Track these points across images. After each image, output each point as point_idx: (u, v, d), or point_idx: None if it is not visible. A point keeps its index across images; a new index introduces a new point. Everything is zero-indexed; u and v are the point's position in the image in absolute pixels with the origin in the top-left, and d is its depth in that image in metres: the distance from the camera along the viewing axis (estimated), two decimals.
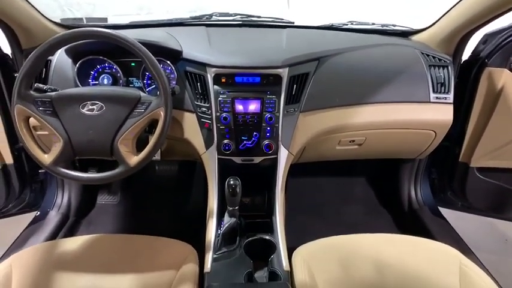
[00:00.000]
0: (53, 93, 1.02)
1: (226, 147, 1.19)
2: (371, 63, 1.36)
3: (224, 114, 1.20)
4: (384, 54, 1.41)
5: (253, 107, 1.21)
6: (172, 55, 1.26)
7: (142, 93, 1.03)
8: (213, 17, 1.63)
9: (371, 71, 1.35)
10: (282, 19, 1.66)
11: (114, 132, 0.99)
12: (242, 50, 1.30)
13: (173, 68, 1.26)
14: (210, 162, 1.22)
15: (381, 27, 1.66)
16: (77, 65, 1.26)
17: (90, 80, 1.32)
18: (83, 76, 1.29)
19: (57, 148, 0.99)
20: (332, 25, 1.68)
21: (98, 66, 1.32)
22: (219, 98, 1.21)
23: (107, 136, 1.00)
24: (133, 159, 1.00)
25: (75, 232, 1.66)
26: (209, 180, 1.24)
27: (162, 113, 1.00)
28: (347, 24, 1.69)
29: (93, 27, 0.97)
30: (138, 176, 1.91)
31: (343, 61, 1.34)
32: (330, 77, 1.31)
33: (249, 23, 1.61)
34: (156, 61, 1.00)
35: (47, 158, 1.00)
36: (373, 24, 1.67)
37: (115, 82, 1.32)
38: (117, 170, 1.00)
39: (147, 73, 1.32)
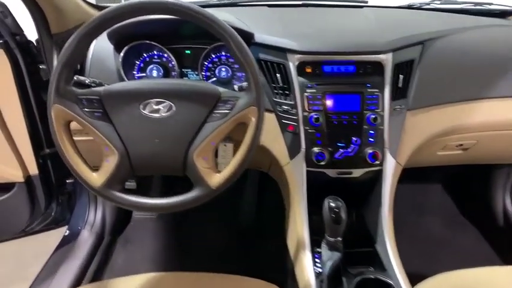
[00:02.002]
0: (101, 88, 0.75)
1: (319, 157, 0.91)
2: (485, 49, 1.09)
3: (314, 114, 0.93)
4: (496, 38, 1.13)
5: (351, 104, 0.94)
6: (243, 39, 0.99)
7: (221, 88, 0.76)
8: None
9: (485, 58, 1.08)
10: None
11: (188, 141, 0.73)
12: (328, 32, 1.03)
13: None
14: (296, 176, 0.95)
15: (473, 6, 1.38)
16: (122, 53, 1.00)
17: (135, 72, 1.06)
18: (126, 67, 1.02)
19: (110, 164, 0.73)
20: (412, 5, 1.41)
21: (145, 55, 1.06)
22: (306, 93, 0.94)
23: (178, 147, 0.73)
24: (215, 179, 0.74)
25: (112, 254, 1.40)
26: (293, 200, 0.97)
27: (253, 114, 0.73)
28: (429, 4, 1.41)
29: None
30: (179, 184, 1.66)
31: (450, 46, 1.07)
32: (438, 65, 1.04)
33: (312, 3, 1.33)
34: (245, 45, 0.73)
35: (96, 178, 0.73)
36: (464, 2, 1.40)
37: (166, 74, 1.06)
38: (193, 194, 0.74)
39: (207, 63, 1.06)
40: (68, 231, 1.39)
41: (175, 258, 1.46)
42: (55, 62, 1.03)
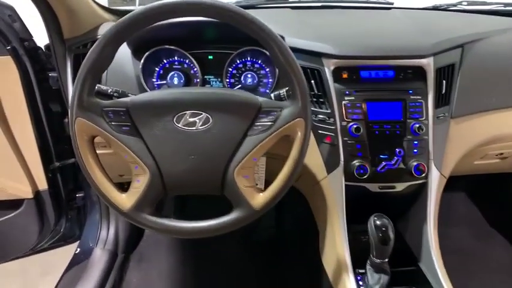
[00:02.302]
0: (128, 99, 0.67)
1: (361, 170, 0.84)
2: None
3: (354, 124, 0.85)
4: None
5: (393, 112, 0.87)
6: None
7: (260, 98, 0.69)
8: None
9: None
10: None
11: (227, 157, 0.65)
12: (363, 35, 0.96)
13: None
14: (333, 191, 0.88)
15: (503, 8, 1.32)
16: (143, 60, 0.92)
17: (154, 80, 0.98)
18: (145, 75, 0.95)
19: (140, 184, 0.65)
20: (438, 6, 1.35)
21: (165, 61, 0.98)
22: (344, 101, 0.87)
23: (217, 163, 0.66)
24: (258, 199, 0.66)
25: (127, 272, 1.31)
26: (331, 217, 0.90)
27: (300, 127, 0.65)
28: (455, 5, 1.35)
29: None
30: (192, 200, 1.57)
31: (490, 49, 1.01)
32: (479, 70, 0.97)
33: (338, 5, 1.27)
34: (290, 50, 0.65)
35: (125, 201, 0.66)
36: (493, 3, 1.34)
37: (188, 82, 0.98)
38: (234, 216, 0.66)
39: (231, 69, 0.98)
40: (78, 249, 1.31)
41: (192, 275, 1.37)
42: (68, 70, 0.95)
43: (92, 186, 0.66)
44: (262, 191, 0.67)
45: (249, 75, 0.98)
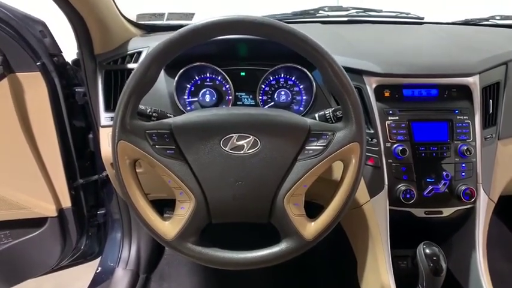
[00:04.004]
0: (171, 120, 0.64)
1: (408, 195, 0.80)
2: None
3: (399, 145, 0.81)
4: None
5: (439, 133, 0.83)
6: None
7: (308, 119, 0.66)
8: (320, 12, 1.27)
9: None
10: (408, 13, 1.30)
11: (277, 183, 0.62)
12: (404, 52, 0.93)
13: (312, 78, 0.89)
14: (376, 216, 0.84)
15: None
16: (177, 77, 0.89)
17: (186, 97, 0.96)
18: (178, 92, 0.92)
19: (185, 212, 0.62)
20: (469, 21, 1.32)
21: (197, 78, 0.96)
22: (388, 121, 0.83)
23: (265, 190, 0.62)
24: (310, 229, 0.62)
25: None
26: (373, 244, 0.85)
27: (355, 152, 0.62)
28: (488, 20, 1.32)
29: (247, 16, 0.60)
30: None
31: None
32: None
33: (363, 19, 1.24)
34: (344, 70, 0.62)
35: (169, 229, 0.62)
36: None
37: (220, 99, 0.95)
38: (285, 246, 0.62)
39: (264, 86, 0.96)
40: (100, 268, 1.27)
41: None
42: (99, 86, 0.93)
43: (133, 213, 0.63)
44: (312, 220, 0.63)
45: (283, 93, 0.95)
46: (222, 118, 0.63)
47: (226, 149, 0.62)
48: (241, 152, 0.62)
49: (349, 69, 0.88)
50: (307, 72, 0.89)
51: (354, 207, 0.86)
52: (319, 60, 0.61)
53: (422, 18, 1.27)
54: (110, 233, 1.33)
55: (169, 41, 0.59)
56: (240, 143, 0.62)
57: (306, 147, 0.62)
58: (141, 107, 0.73)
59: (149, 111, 0.73)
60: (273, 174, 0.61)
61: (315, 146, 0.62)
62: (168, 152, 0.61)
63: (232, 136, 0.62)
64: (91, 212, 1.26)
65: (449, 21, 1.34)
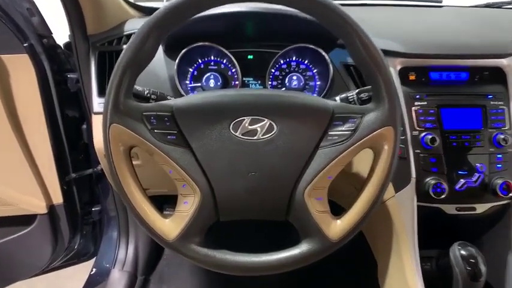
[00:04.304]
0: (172, 101, 0.56)
1: (438, 189, 0.71)
2: None
3: (427, 133, 0.73)
4: None
5: (472, 120, 0.74)
6: (325, 39, 0.80)
7: (330, 101, 0.57)
8: None
9: None
10: None
11: (296, 174, 0.53)
12: (430, 32, 0.84)
13: (328, 60, 0.80)
14: (402, 213, 0.75)
15: None
16: (178, 59, 0.80)
17: (187, 82, 0.87)
18: (179, 76, 0.83)
19: (188, 207, 0.53)
20: (491, 4, 1.23)
21: (200, 61, 0.87)
22: (415, 107, 0.75)
23: (283, 182, 0.53)
24: (335, 228, 0.54)
25: None
26: (398, 244, 0.76)
27: (388, 138, 0.53)
28: (510, 3, 1.23)
29: None
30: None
31: None
32: None
33: (387, 3, 1.15)
34: (375, 44, 0.53)
35: (171, 228, 0.53)
36: None
37: (225, 85, 0.87)
38: (306, 248, 0.53)
39: (274, 70, 0.87)
40: (94, 269, 1.18)
41: None
42: (92, 68, 0.84)
43: (128, 209, 0.54)
44: (338, 217, 0.54)
45: (295, 77, 0.86)
46: (232, 99, 0.54)
47: (236, 134, 0.53)
48: (255, 137, 0.53)
49: None
50: (323, 54, 0.80)
51: None
52: (345, 30, 0.52)
53: (441, 1, 1.19)
54: (105, 231, 1.24)
55: (174, 5, 0.50)
56: (253, 127, 0.53)
57: (330, 133, 0.54)
58: (138, 88, 0.64)
59: (147, 93, 0.64)
60: (292, 163, 0.53)
61: (340, 131, 0.53)
62: (168, 137, 0.53)
63: (244, 119, 0.53)
64: (85, 209, 1.17)
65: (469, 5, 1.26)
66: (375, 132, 0.52)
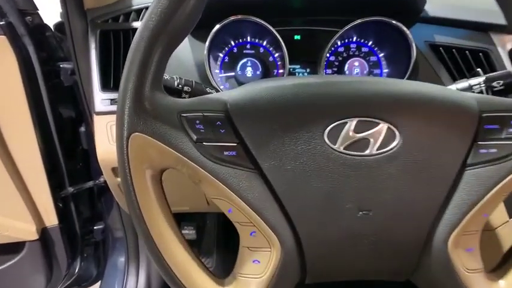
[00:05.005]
0: (225, 95, 0.35)
1: None
2: None
3: None
4: None
5: None
6: (404, 10, 0.61)
7: (473, 95, 0.37)
8: None
9: None
10: None
11: (434, 211, 0.33)
12: None
13: (410, 37, 0.60)
14: None
15: None
16: (209, 40, 0.60)
17: (217, 71, 0.67)
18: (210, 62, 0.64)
19: (261, 270, 0.33)
20: None
21: (232, 44, 0.67)
22: None
23: (413, 224, 0.33)
24: None
25: None
26: None
27: None
28: None
29: None
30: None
31: None
32: None
33: None
34: None
35: None
36: None
37: (266, 74, 0.67)
38: None
39: (329, 54, 0.67)
40: None
41: None
42: (92, 54, 0.63)
43: (161, 270, 0.34)
44: (497, 275, 0.35)
45: (356, 64, 0.67)
46: (326, 90, 0.34)
47: (335, 147, 0.33)
48: (366, 152, 0.33)
49: (470, 25, 0.60)
50: (404, 29, 0.60)
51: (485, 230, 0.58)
52: None
53: None
54: (110, 253, 1.04)
55: None
56: (362, 135, 0.33)
57: (480, 143, 0.34)
58: (165, 75, 0.44)
59: (177, 83, 0.44)
60: (427, 194, 0.33)
61: (498, 139, 0.33)
62: (226, 153, 0.32)
63: (346, 123, 0.33)
64: (85, 227, 0.97)
65: None
66: None
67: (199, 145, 0.32)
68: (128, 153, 0.32)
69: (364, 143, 0.33)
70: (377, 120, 0.33)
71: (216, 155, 0.32)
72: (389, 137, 0.33)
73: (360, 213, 0.33)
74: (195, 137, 0.32)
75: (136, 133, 0.32)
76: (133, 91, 0.31)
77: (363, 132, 0.33)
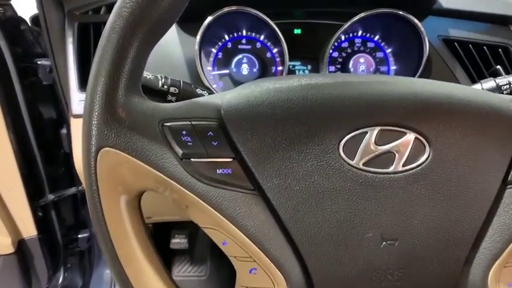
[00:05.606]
0: (217, 98, 0.29)
1: None
2: None
3: None
4: None
5: None
6: (416, 0, 0.55)
7: (508, 97, 0.31)
8: None
9: None
10: None
11: (471, 239, 0.27)
12: None
13: (420, 28, 0.55)
14: None
15: None
16: (200, 34, 0.54)
17: (210, 68, 0.61)
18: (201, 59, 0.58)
19: None
20: None
21: (227, 38, 0.61)
22: None
23: (446, 255, 0.27)
24: None
25: None
26: None
27: None
28: None
29: None
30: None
31: None
32: None
33: None
34: None
35: None
36: None
37: (263, 72, 0.61)
38: None
39: (332, 50, 0.62)
40: None
41: None
42: (69, 48, 0.57)
43: None
44: None
45: (362, 60, 0.62)
46: (339, 92, 0.28)
47: (353, 162, 0.27)
48: (390, 168, 0.27)
49: (488, 18, 0.55)
50: (416, 23, 0.54)
51: None
52: None
53: None
54: (96, 262, 0.98)
55: None
56: (385, 147, 0.27)
57: None
58: (147, 74, 0.38)
59: (162, 83, 0.38)
60: (462, 218, 0.27)
61: None
62: (219, 171, 0.26)
63: (366, 132, 0.27)
64: (69, 236, 0.91)
65: None
66: None
67: (186, 162, 0.26)
68: (97, 173, 0.25)
69: (387, 158, 0.27)
70: (403, 130, 0.27)
71: (207, 174, 0.26)
72: (417, 150, 0.27)
73: (384, 243, 0.27)
74: (180, 152, 0.26)
75: (107, 148, 0.25)
76: (102, 96, 0.25)
77: (386, 145, 0.27)
